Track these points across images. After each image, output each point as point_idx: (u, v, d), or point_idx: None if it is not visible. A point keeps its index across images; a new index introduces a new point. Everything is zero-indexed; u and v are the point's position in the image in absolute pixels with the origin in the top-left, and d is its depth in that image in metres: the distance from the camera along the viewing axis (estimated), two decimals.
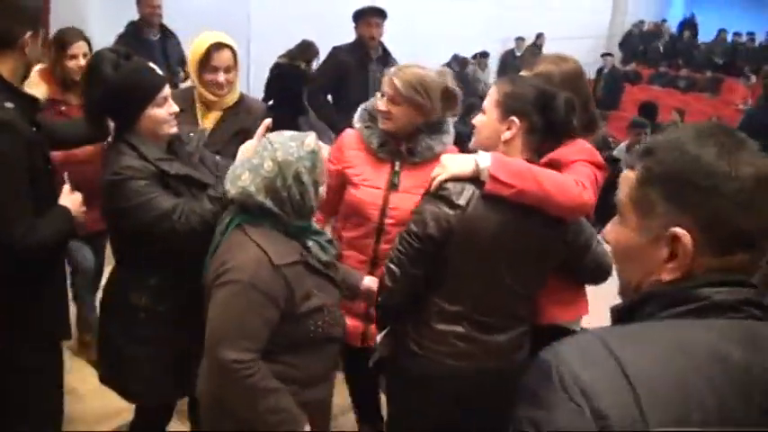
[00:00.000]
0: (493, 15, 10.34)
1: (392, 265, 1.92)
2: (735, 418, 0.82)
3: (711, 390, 0.82)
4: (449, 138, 2.29)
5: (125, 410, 2.50)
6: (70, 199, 2.02)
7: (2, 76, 1.85)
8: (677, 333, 0.89)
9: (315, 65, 5.80)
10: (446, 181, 1.86)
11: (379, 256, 2.27)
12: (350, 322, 2.23)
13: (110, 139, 2.07)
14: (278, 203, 1.76)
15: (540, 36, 11.09)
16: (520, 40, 10.92)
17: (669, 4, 17.94)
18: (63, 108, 3.00)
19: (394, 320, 2.08)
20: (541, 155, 1.96)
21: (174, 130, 2.05)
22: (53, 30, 3.16)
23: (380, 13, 4.58)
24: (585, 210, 1.96)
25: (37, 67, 2.92)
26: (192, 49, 2.60)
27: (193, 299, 1.98)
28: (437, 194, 1.86)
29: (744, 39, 13.89)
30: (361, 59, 4.54)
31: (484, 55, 10.26)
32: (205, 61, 2.56)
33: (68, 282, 3.20)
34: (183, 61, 4.84)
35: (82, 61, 2.97)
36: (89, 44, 3.12)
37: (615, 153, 5.69)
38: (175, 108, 2.04)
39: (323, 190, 1.85)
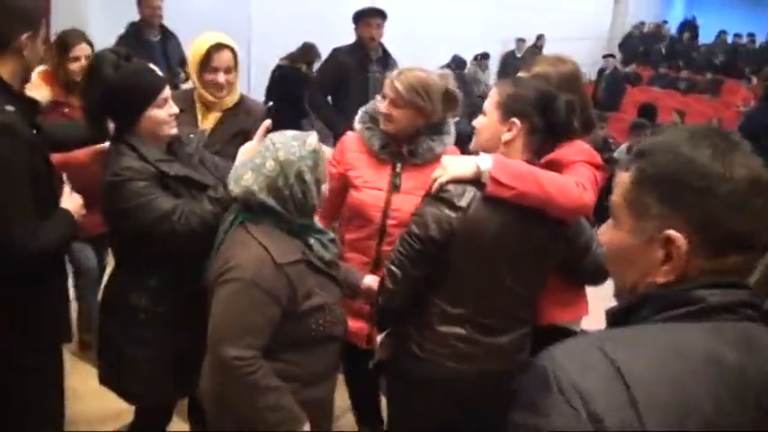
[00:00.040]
0: (493, 16, 10.34)
1: (393, 267, 1.92)
2: (731, 421, 0.82)
3: (708, 392, 0.82)
4: (450, 138, 2.30)
5: (125, 412, 2.50)
6: (71, 201, 2.02)
7: (1, 78, 1.84)
8: (672, 336, 0.88)
9: (316, 67, 5.80)
10: (447, 183, 1.86)
11: (381, 258, 2.27)
12: (355, 323, 2.23)
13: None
14: (280, 202, 1.78)
15: (540, 37, 11.09)
16: (520, 41, 10.92)
17: (670, 6, 17.96)
18: (66, 110, 2.99)
19: (394, 323, 2.07)
20: (540, 156, 1.96)
21: (174, 131, 2.05)
22: (54, 31, 3.16)
23: (381, 14, 4.58)
24: (586, 211, 1.96)
25: (39, 69, 2.91)
26: (193, 50, 2.60)
27: (193, 300, 1.99)
28: (438, 196, 1.86)
29: (744, 40, 13.90)
30: (361, 60, 4.54)
31: (484, 56, 10.25)
32: (205, 62, 2.56)
33: (71, 283, 3.22)
34: (183, 62, 4.84)
35: (84, 63, 2.97)
36: (92, 46, 3.11)
37: (616, 155, 5.71)
38: (175, 109, 2.04)
39: (325, 188, 1.87)
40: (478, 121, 1.97)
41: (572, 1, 11.77)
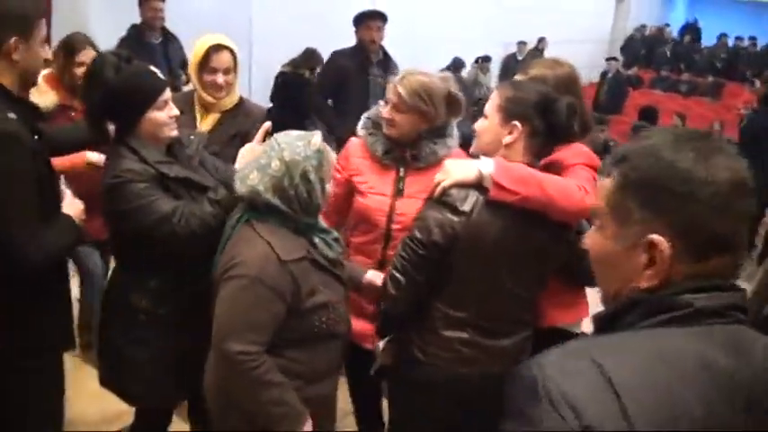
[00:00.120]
0: (494, 18, 10.33)
1: (396, 273, 1.92)
2: (722, 424, 0.83)
3: (697, 397, 0.82)
4: (453, 141, 2.30)
5: (125, 413, 2.50)
6: (72, 207, 2.02)
7: (1, 84, 1.83)
8: (660, 342, 0.88)
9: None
10: (450, 187, 1.86)
11: (386, 261, 2.26)
12: (361, 324, 2.24)
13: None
14: (286, 201, 1.80)
15: (541, 40, 11.08)
16: (522, 43, 10.91)
17: (671, 9, 17.96)
18: (73, 114, 2.99)
19: (397, 329, 2.08)
20: (540, 158, 1.97)
21: (174, 133, 2.05)
22: (55, 34, 3.16)
23: (381, 17, 4.58)
24: (588, 214, 1.96)
25: (44, 72, 2.90)
26: (193, 52, 2.62)
27: (194, 301, 2.00)
28: (441, 200, 1.86)
29: (745, 43, 13.89)
30: (362, 63, 4.54)
31: (486, 59, 10.25)
32: (204, 62, 2.58)
33: (77, 287, 3.23)
34: (184, 64, 4.83)
35: None
36: (97, 52, 3.11)
37: None
38: (176, 111, 2.04)
39: (329, 188, 1.88)
40: (479, 124, 1.97)
41: (573, 3, 11.76)
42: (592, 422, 0.79)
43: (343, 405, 2.65)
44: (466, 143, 2.26)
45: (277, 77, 5.98)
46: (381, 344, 2.16)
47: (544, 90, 1.94)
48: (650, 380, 0.83)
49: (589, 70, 11.15)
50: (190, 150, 2.16)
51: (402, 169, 2.27)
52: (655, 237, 0.92)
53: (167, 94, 2.02)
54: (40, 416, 2.05)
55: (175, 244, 1.95)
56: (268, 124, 2.16)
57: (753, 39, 13.82)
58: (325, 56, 5.03)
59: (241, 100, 2.73)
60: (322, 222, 1.96)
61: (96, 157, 2.70)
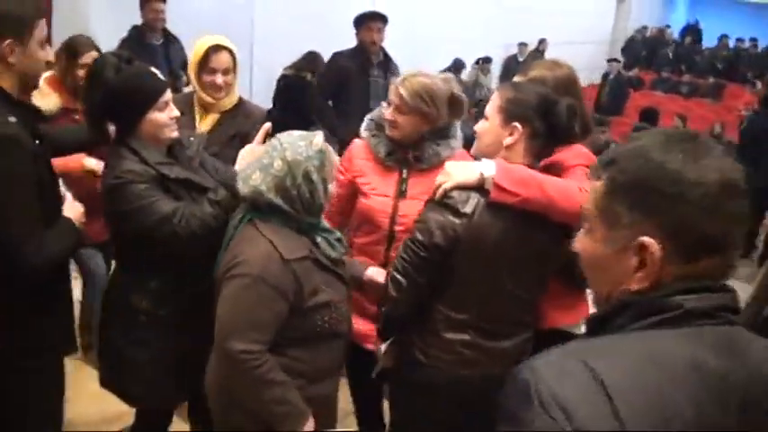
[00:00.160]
0: (495, 19, 10.32)
1: (398, 275, 1.92)
2: (713, 425, 0.83)
3: (688, 399, 0.82)
4: (456, 142, 2.31)
5: (126, 414, 2.50)
6: (72, 210, 2.02)
7: (1, 88, 1.82)
8: (651, 344, 0.88)
9: None
10: (451, 189, 1.86)
11: (389, 262, 2.27)
12: (364, 324, 2.24)
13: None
14: (288, 201, 1.81)
15: (542, 41, 11.09)
16: (523, 45, 10.92)
17: (672, 10, 17.96)
18: (77, 116, 2.98)
19: (398, 331, 2.08)
20: (540, 159, 1.97)
21: (174, 134, 2.06)
22: (55, 34, 3.15)
23: (382, 18, 4.59)
24: None
25: (45, 75, 2.90)
26: (193, 52, 2.63)
27: (194, 303, 2.00)
28: (442, 202, 1.86)
29: (746, 45, 13.90)
30: (363, 65, 4.55)
31: (487, 60, 10.26)
32: (203, 63, 2.59)
33: (80, 288, 3.23)
34: (185, 66, 4.82)
35: None
36: (100, 54, 3.11)
37: None
38: (176, 112, 2.05)
39: (332, 187, 1.89)
40: (480, 126, 1.97)
41: (574, 4, 11.76)
42: (583, 424, 0.79)
43: (344, 405, 2.66)
44: (468, 144, 2.26)
45: (279, 81, 5.99)
46: (383, 347, 2.16)
47: (544, 91, 1.95)
48: (641, 382, 0.83)
49: (590, 72, 11.16)
50: (190, 151, 2.17)
51: (405, 170, 2.28)
52: (645, 239, 0.91)
53: (168, 95, 2.02)
54: (40, 416, 2.05)
55: (176, 245, 1.95)
56: (268, 125, 2.17)
57: (754, 40, 13.84)
58: (327, 56, 5.04)
59: (240, 101, 2.74)
60: (324, 222, 1.97)
61: (94, 163, 2.70)
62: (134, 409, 2.37)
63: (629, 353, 0.87)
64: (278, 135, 1.88)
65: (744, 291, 2.64)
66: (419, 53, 6.46)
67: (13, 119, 1.79)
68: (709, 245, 0.92)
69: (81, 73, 2.99)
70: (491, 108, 1.94)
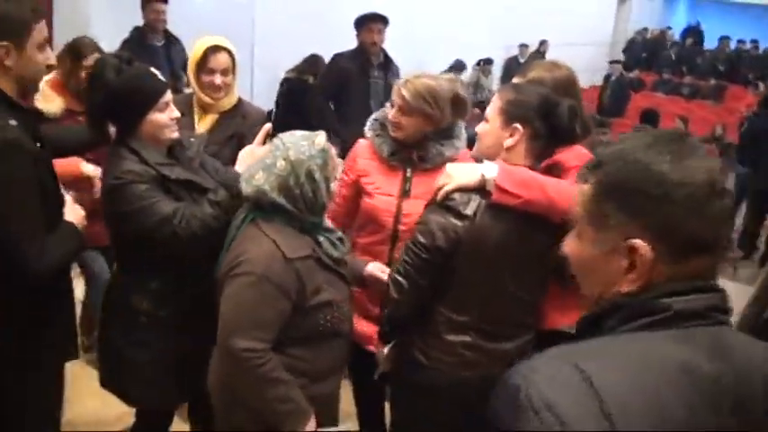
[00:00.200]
0: (495, 21, 10.33)
1: (399, 277, 1.92)
2: (706, 427, 0.83)
3: (680, 401, 0.82)
4: (461, 142, 2.31)
5: (126, 414, 2.50)
6: (73, 213, 2.01)
7: (2, 91, 1.81)
8: (642, 346, 0.88)
9: None
10: (452, 191, 1.86)
11: (393, 262, 2.27)
12: (366, 326, 2.24)
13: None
14: (291, 201, 1.82)
15: (543, 43, 11.10)
16: (523, 46, 10.92)
17: (673, 12, 17.98)
18: (81, 118, 2.98)
19: (400, 334, 2.08)
20: (541, 161, 1.97)
21: (175, 134, 2.06)
22: (56, 36, 3.15)
23: (382, 20, 4.59)
24: None
25: (48, 77, 2.89)
26: (192, 53, 2.63)
27: (195, 303, 2.00)
28: (443, 204, 1.86)
29: (747, 46, 13.91)
30: (363, 66, 4.55)
31: (488, 61, 10.26)
32: (202, 63, 2.60)
33: (81, 287, 3.22)
34: (186, 67, 4.84)
35: None
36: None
37: None
38: (177, 113, 2.05)
39: (334, 187, 1.90)
40: (481, 127, 1.97)
41: (575, 5, 11.76)
42: (574, 427, 0.79)
43: (346, 406, 2.66)
44: (470, 145, 2.27)
45: (282, 84, 6.01)
46: (385, 350, 2.16)
47: (545, 93, 1.95)
48: (632, 383, 0.83)
49: (591, 73, 11.16)
50: (191, 152, 2.17)
51: (409, 170, 2.29)
52: (636, 241, 0.91)
53: (168, 95, 2.02)
54: (39, 414, 2.05)
55: (176, 245, 1.95)
56: (268, 126, 2.17)
57: (755, 41, 13.85)
58: (328, 57, 5.04)
59: (239, 101, 2.74)
60: (327, 222, 1.97)
61: (92, 169, 2.69)
62: (134, 410, 2.37)
63: (620, 355, 0.87)
64: (280, 135, 1.89)
65: (745, 292, 2.64)
66: (419, 54, 6.45)
67: (13, 122, 1.79)
68: (698, 245, 0.92)
69: (84, 75, 2.99)
70: (492, 110, 1.94)
